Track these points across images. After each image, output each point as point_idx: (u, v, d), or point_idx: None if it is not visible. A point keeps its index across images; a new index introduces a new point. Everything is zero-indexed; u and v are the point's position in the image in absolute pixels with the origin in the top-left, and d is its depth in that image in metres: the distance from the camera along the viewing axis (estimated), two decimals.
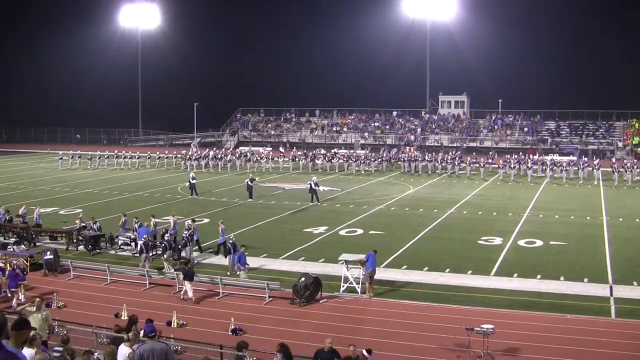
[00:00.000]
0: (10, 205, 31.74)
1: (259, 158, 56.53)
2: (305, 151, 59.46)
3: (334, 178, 49.05)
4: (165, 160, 58.62)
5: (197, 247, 25.50)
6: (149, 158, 58.70)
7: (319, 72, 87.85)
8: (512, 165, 48.70)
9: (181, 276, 20.32)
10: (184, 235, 24.60)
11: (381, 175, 50.24)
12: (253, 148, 65.77)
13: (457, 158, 52.53)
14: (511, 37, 77.72)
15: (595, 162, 48.42)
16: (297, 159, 56.00)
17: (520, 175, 48.80)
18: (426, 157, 53.81)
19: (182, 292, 20.23)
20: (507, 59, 78.63)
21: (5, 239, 27.28)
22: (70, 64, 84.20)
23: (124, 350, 11.54)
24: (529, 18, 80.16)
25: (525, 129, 69.95)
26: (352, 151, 62.73)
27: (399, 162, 54.86)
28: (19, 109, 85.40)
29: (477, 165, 50.80)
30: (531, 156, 52.82)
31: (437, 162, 52.88)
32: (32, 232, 27.76)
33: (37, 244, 27.18)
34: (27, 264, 23.23)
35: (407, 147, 67.03)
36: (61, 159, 57.21)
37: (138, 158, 58.03)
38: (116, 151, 59.33)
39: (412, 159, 53.61)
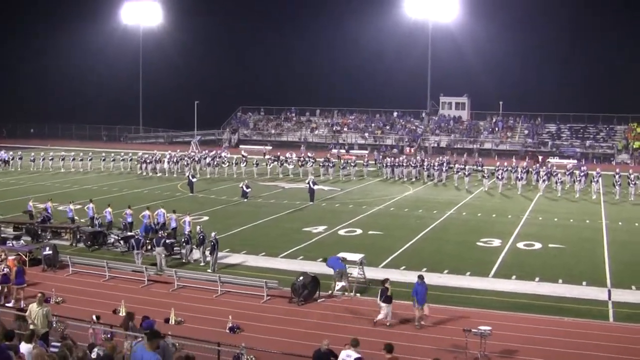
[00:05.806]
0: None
1: (221, 163, 50.55)
2: (277, 155, 53.54)
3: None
4: (121, 162, 52.68)
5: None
6: (103, 160, 52.51)
7: (320, 72, 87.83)
8: (499, 176, 43.31)
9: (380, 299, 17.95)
10: (185, 233, 24.66)
11: (379, 176, 49.90)
12: (219, 151, 58.79)
13: (444, 164, 48.22)
14: (513, 39, 77.66)
15: (595, 173, 42.45)
16: (266, 163, 51.16)
17: (509, 187, 43.42)
18: (410, 163, 49.37)
19: (378, 317, 17.86)
20: (508, 61, 78.58)
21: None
22: (71, 60, 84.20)
23: (25, 347, 10.72)
24: (531, 20, 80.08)
25: (526, 132, 69.92)
26: (335, 151, 61.31)
27: (383, 167, 50.14)
28: (19, 105, 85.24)
29: (464, 172, 45.47)
30: (525, 164, 47.59)
31: (424, 168, 48.94)
32: (37, 227, 27.72)
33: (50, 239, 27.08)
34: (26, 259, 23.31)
35: (409, 148, 66.83)
36: None
37: (90, 160, 53.44)
38: (63, 152, 54.61)
39: (397, 164, 49.08)
